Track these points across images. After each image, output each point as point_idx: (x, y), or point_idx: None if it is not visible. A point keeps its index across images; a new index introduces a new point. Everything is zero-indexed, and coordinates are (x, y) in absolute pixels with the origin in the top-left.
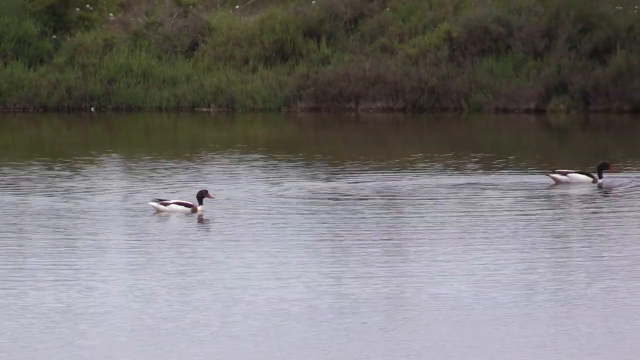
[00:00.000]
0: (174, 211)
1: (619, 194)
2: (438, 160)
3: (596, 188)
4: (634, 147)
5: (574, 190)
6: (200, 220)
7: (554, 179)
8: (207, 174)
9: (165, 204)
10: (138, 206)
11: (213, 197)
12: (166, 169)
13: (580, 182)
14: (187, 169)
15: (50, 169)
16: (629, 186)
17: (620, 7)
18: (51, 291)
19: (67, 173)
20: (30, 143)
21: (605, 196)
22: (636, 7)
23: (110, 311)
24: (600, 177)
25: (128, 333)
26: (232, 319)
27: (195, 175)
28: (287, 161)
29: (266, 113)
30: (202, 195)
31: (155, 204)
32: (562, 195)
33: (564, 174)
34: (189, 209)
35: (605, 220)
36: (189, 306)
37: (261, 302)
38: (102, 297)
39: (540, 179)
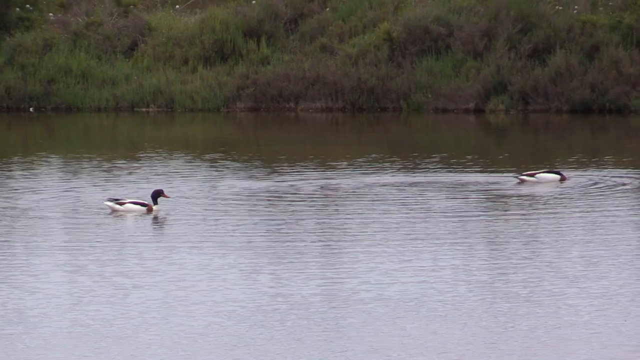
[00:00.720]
0: (129, 211)
1: (563, 195)
2: (378, 160)
3: (562, 186)
4: (572, 147)
5: (514, 191)
6: (156, 219)
7: (522, 180)
8: (147, 174)
9: (121, 204)
10: (78, 206)
11: (169, 197)
12: (106, 169)
13: (549, 181)
14: (126, 169)
15: None
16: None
17: (560, 7)
18: None
19: (6, 173)
20: None
21: (549, 197)
22: (576, 7)
23: (51, 313)
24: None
25: (70, 335)
26: (175, 321)
27: (135, 175)
28: (226, 161)
29: (205, 113)
30: (157, 195)
31: (110, 203)
32: (503, 195)
33: (532, 174)
34: (144, 209)
35: (550, 220)
36: (131, 308)
37: (205, 303)
38: (44, 298)
39: (479, 178)
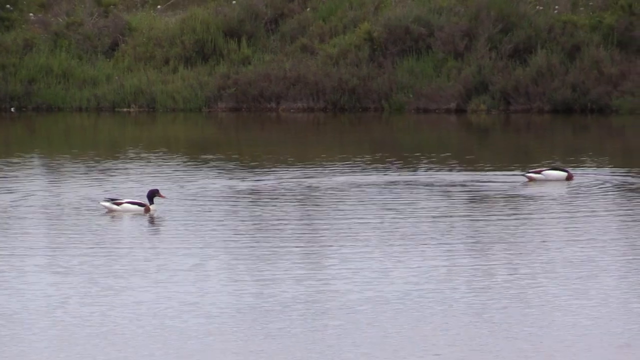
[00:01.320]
0: (127, 211)
1: (551, 194)
2: (359, 160)
3: (569, 184)
4: (554, 147)
5: (501, 191)
6: (152, 220)
7: (529, 178)
8: (130, 174)
9: (118, 204)
10: (62, 206)
11: (164, 197)
12: (89, 169)
13: (556, 179)
14: (110, 169)
15: None
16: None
17: (541, 7)
18: None
19: None
20: None
21: (536, 196)
22: (556, 7)
23: (40, 315)
24: None
25: (59, 337)
26: (163, 321)
27: (119, 176)
28: (207, 161)
29: (187, 113)
30: (152, 195)
31: (107, 203)
32: (490, 195)
33: (538, 172)
34: (142, 209)
35: (538, 220)
36: (119, 309)
37: (192, 304)
38: (31, 300)
39: (463, 177)
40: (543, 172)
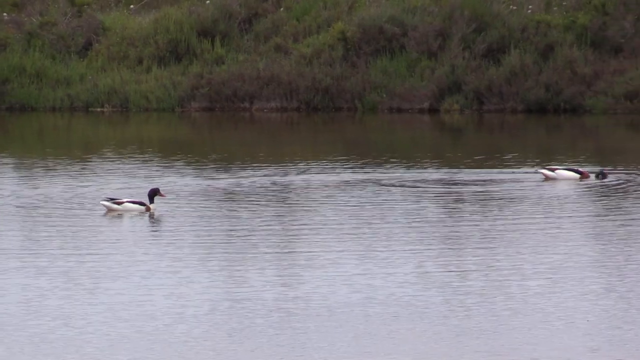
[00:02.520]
0: (127, 210)
1: (528, 194)
2: (334, 159)
3: (582, 184)
4: (526, 147)
5: (478, 191)
6: (152, 219)
7: (544, 174)
8: (102, 174)
9: (119, 203)
10: (38, 206)
11: (165, 196)
12: (62, 169)
13: (567, 179)
14: (82, 169)
15: None
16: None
17: (514, 7)
18: None
19: None
20: None
21: (514, 196)
22: (530, 7)
23: (13, 316)
24: None
25: (29, 338)
26: (128, 323)
27: (92, 175)
28: (181, 161)
29: (160, 113)
30: (153, 194)
31: (107, 203)
32: (464, 195)
33: (553, 170)
34: (143, 208)
35: (516, 220)
36: (87, 310)
37: (167, 306)
38: (6, 302)
39: (439, 176)
40: (556, 172)
